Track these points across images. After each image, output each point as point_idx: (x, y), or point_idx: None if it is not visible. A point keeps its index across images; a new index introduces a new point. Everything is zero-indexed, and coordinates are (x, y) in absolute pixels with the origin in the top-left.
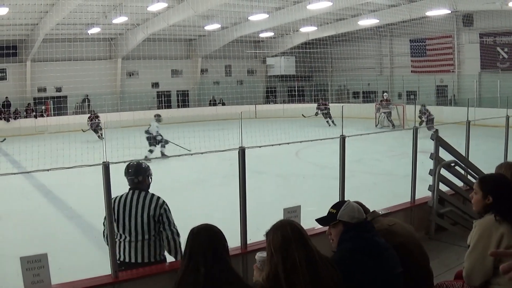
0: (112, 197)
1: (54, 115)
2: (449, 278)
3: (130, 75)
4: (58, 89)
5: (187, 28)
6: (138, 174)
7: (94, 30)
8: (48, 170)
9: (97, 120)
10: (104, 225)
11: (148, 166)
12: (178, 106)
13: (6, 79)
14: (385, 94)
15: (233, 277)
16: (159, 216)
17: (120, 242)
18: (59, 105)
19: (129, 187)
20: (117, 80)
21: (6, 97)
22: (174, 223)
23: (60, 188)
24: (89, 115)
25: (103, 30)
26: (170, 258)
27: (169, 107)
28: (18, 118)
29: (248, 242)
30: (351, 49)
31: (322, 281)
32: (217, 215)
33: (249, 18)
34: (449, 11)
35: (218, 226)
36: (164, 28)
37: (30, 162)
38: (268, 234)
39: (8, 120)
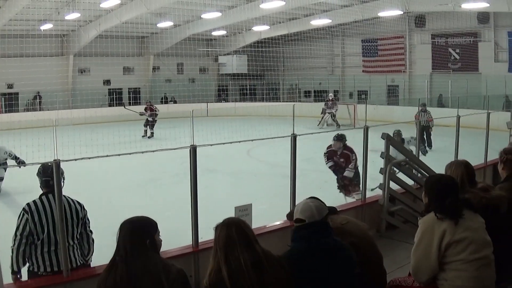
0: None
1: (6, 111)
2: (401, 275)
3: (82, 72)
4: (10, 86)
5: (139, 25)
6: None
7: (47, 26)
8: None
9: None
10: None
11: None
12: (130, 104)
13: None
14: (330, 94)
15: (157, 273)
16: (84, 217)
17: (51, 251)
18: (10, 102)
19: (44, 190)
20: (69, 77)
21: None
22: None
23: (9, 184)
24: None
25: (55, 26)
26: None
27: (120, 104)
28: None
29: (199, 241)
30: (303, 49)
31: (269, 283)
32: (168, 213)
33: (201, 16)
34: (402, 12)
35: (169, 224)
36: (117, 25)
37: None
38: (216, 229)
39: None
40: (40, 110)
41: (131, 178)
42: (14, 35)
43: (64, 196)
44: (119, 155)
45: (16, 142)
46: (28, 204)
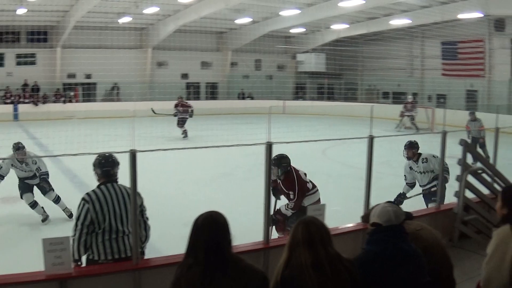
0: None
1: (83, 101)
2: (470, 287)
3: (160, 65)
4: (88, 76)
5: (217, 20)
6: (114, 165)
7: (125, 20)
8: (75, 155)
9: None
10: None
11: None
12: (207, 98)
13: (35, 64)
14: (409, 97)
15: (235, 272)
16: (141, 205)
17: (112, 239)
18: (88, 92)
19: (102, 180)
20: (147, 70)
21: (35, 82)
22: None
23: (86, 173)
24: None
25: (134, 20)
26: None
27: (197, 98)
28: (46, 102)
29: (271, 238)
30: (382, 49)
31: (329, 286)
32: (240, 209)
33: (280, 13)
34: (481, 15)
35: (240, 219)
36: (195, 20)
37: (58, 146)
38: (293, 225)
39: (36, 104)
40: (117, 101)
41: (205, 171)
42: (93, 27)
43: (120, 185)
44: (195, 148)
45: (93, 131)
46: (88, 194)
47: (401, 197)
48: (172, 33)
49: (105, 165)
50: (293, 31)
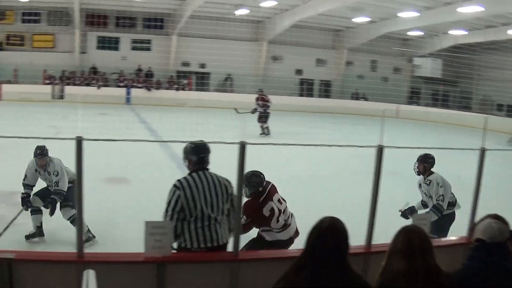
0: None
1: (196, 90)
2: None
3: (275, 59)
4: (202, 65)
5: (334, 18)
6: (209, 152)
7: (242, 12)
8: (183, 142)
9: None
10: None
11: None
12: (320, 96)
13: (150, 50)
14: None
15: (346, 280)
16: (232, 193)
17: (205, 227)
18: (201, 81)
19: (195, 167)
20: (261, 63)
21: (149, 68)
22: None
23: None
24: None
25: (251, 12)
26: None
27: (310, 95)
28: (159, 88)
29: (372, 243)
30: (498, 59)
31: None
32: (346, 209)
33: (398, 14)
34: None
35: (343, 220)
36: (312, 16)
37: (167, 132)
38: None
39: (149, 89)
40: (230, 92)
41: (315, 169)
42: (210, 17)
43: (212, 173)
44: (303, 145)
45: (204, 120)
46: (179, 181)
47: (410, 211)
48: (288, 28)
49: (201, 152)
50: (410, 33)
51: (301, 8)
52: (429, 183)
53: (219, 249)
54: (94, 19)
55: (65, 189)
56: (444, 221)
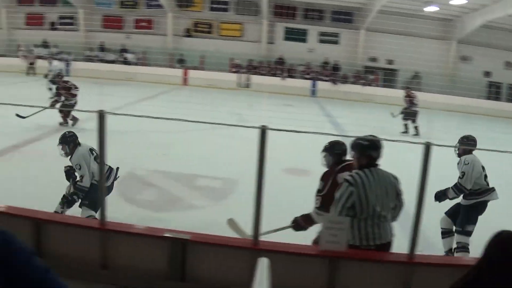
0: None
1: (383, 86)
2: None
3: (464, 60)
4: (389, 62)
5: None
6: (380, 149)
7: (431, 9)
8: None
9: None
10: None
11: None
12: (508, 100)
13: (338, 44)
14: None
15: None
16: (399, 190)
17: (375, 225)
18: (389, 77)
19: (365, 164)
20: (449, 63)
21: (336, 61)
22: None
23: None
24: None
25: (441, 10)
26: None
27: (497, 99)
28: (346, 82)
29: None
30: None
31: None
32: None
33: None
34: None
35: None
36: (502, 16)
37: (351, 127)
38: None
39: (335, 83)
40: (417, 90)
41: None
42: (398, 12)
43: (381, 169)
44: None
45: (387, 117)
46: (352, 176)
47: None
48: (478, 28)
49: (379, 148)
50: None
51: (490, 8)
52: (459, 162)
53: (387, 246)
54: (283, 10)
55: (88, 185)
56: (472, 210)
